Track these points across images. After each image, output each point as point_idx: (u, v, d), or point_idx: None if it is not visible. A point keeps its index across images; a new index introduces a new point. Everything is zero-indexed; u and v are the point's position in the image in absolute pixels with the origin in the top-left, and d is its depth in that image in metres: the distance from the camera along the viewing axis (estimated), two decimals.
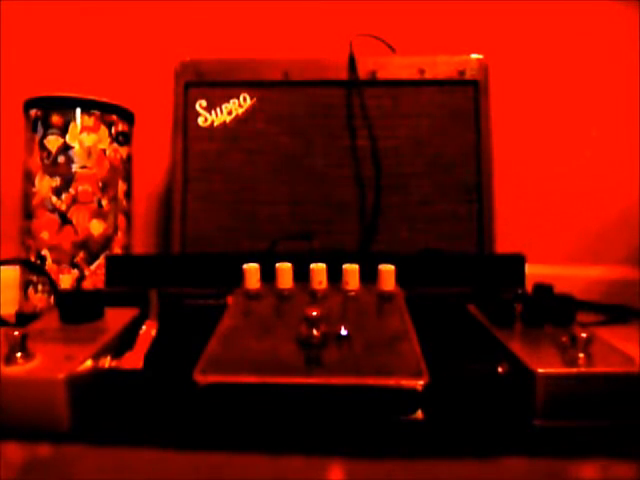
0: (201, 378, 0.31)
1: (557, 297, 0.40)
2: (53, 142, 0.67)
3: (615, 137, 0.87)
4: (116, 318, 0.40)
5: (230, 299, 0.43)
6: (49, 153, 0.67)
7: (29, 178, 0.69)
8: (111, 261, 0.52)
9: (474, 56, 0.69)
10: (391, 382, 0.31)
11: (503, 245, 0.72)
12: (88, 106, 0.68)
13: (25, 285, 0.69)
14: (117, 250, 0.71)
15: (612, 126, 0.87)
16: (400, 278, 0.44)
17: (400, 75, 0.69)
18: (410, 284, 0.45)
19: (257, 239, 0.68)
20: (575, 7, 0.87)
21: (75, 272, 0.67)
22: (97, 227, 0.69)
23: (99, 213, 0.69)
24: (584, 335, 0.32)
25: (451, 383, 0.34)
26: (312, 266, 0.44)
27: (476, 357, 0.37)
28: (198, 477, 0.27)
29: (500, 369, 0.34)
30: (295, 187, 0.69)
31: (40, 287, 0.68)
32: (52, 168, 0.67)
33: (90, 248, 0.68)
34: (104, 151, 0.69)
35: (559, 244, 0.89)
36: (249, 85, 0.70)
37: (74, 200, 0.67)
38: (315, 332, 0.34)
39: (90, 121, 0.68)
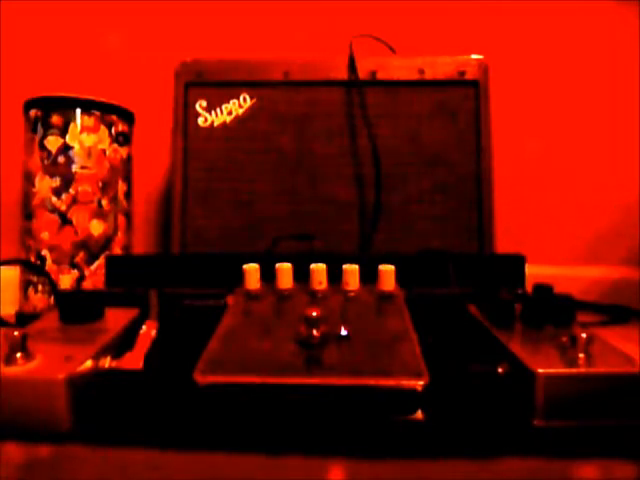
0: (201, 378, 0.31)
1: (557, 297, 0.40)
2: (53, 142, 0.67)
3: (615, 137, 0.87)
4: (116, 318, 0.40)
5: (230, 299, 0.43)
6: (49, 153, 0.67)
7: (29, 178, 0.69)
8: (111, 261, 0.52)
9: (474, 56, 0.69)
10: (391, 382, 0.31)
11: (503, 245, 0.72)
12: (88, 106, 0.68)
13: (25, 285, 0.69)
14: (117, 250, 0.71)
15: (612, 126, 0.87)
16: (400, 278, 0.44)
17: (400, 75, 0.69)
18: (410, 284, 0.45)
19: (257, 239, 0.68)
20: (575, 7, 0.87)
21: (75, 272, 0.67)
22: (97, 227, 0.69)
23: (99, 213, 0.69)
24: (584, 335, 0.32)
25: (451, 383, 0.34)
26: (312, 266, 0.44)
27: (476, 357, 0.37)
28: (198, 477, 0.27)
29: (500, 369, 0.34)
30: (295, 187, 0.69)
31: (40, 287, 0.68)
32: (52, 168, 0.67)
33: (90, 248, 0.68)
34: (104, 151, 0.69)
35: (559, 244, 0.89)
36: (249, 85, 0.70)
37: (74, 200, 0.67)
38: (315, 332, 0.34)
39: (90, 121, 0.68)
